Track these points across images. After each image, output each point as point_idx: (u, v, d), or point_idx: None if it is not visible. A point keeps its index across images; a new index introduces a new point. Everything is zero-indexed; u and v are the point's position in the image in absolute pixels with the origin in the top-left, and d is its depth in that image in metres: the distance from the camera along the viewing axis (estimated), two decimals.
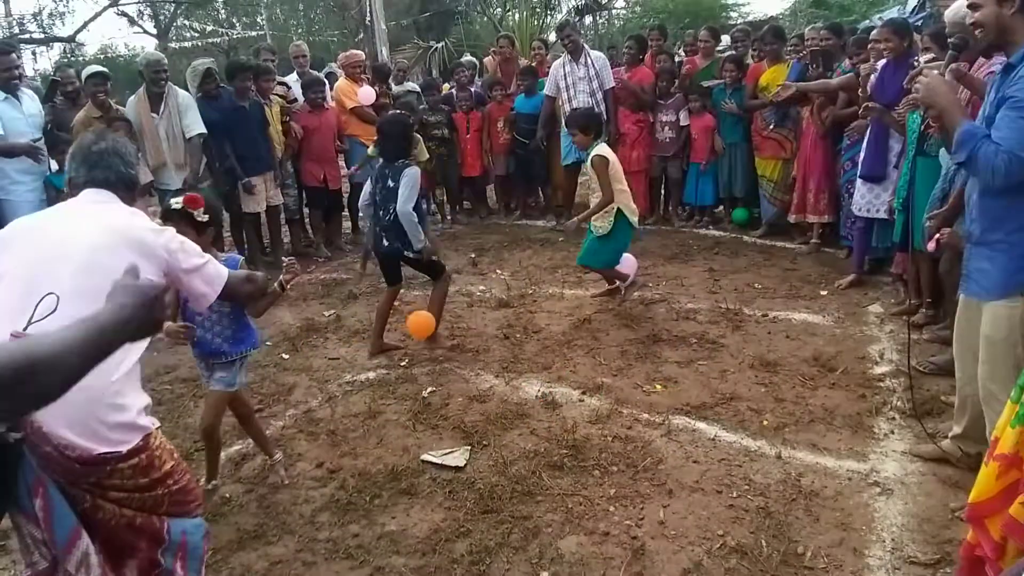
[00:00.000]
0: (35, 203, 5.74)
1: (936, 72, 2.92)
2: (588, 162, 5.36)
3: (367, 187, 5.07)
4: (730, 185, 7.48)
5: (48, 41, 26.65)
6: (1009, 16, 2.61)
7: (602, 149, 5.35)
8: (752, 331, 5.03)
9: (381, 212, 4.80)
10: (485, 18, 22.85)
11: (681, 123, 7.50)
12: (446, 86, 9.31)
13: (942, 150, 4.24)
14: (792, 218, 6.90)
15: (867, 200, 5.52)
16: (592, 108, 5.37)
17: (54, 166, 5.92)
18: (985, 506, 2.01)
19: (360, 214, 5.47)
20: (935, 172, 4.32)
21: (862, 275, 5.81)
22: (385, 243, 4.84)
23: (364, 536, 3.15)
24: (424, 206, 4.72)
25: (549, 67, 8.08)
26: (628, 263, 5.65)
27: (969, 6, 2.74)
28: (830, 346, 4.74)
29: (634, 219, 5.47)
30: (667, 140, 7.60)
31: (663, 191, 8.21)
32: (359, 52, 8.73)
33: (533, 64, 8.61)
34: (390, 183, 4.74)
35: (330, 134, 7.42)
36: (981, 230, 2.85)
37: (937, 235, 3.47)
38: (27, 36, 24.91)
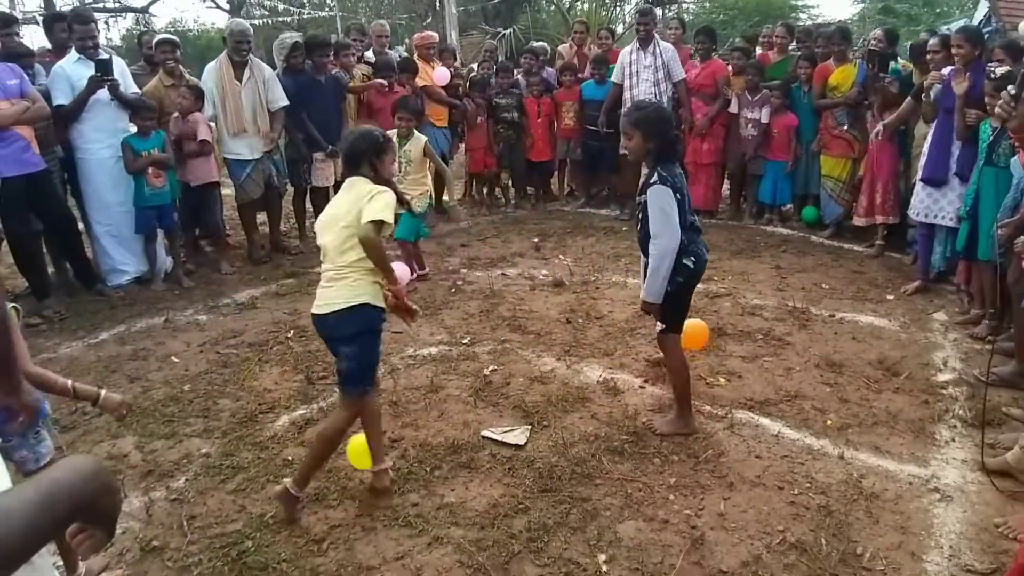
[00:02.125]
0: (111, 163, 5.92)
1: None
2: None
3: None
4: (806, 184, 7.37)
5: (121, 11, 27.18)
6: None
7: None
8: (818, 330, 4.96)
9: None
10: (552, 7, 22.76)
11: (763, 120, 7.37)
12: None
13: (1014, 159, 4.15)
14: (861, 222, 6.74)
15: (926, 205, 5.43)
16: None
17: (132, 128, 6.05)
18: None
19: None
20: (1002, 182, 4.25)
21: (927, 282, 5.71)
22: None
23: (423, 506, 3.19)
24: None
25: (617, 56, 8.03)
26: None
27: None
28: (895, 350, 4.66)
29: None
30: (750, 137, 7.48)
31: (740, 186, 8.12)
32: (433, 33, 8.81)
33: (602, 52, 8.57)
34: None
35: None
36: None
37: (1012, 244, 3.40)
38: (100, 5, 25.43)
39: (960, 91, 4.94)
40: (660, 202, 3.41)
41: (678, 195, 3.45)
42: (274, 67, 6.93)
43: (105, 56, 5.82)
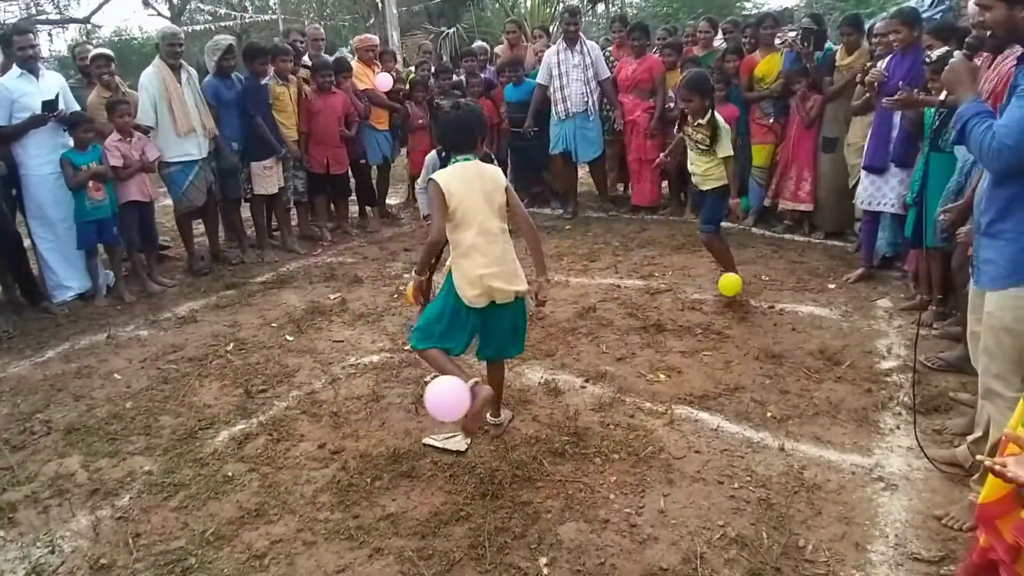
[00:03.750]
0: (52, 179, 5.82)
1: (960, 56, 2.91)
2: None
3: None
4: (742, 175, 7.44)
5: (64, 22, 26.72)
6: (1021, 17, 2.61)
7: (446, 173, 3.46)
8: (758, 323, 5.01)
9: None
10: (497, 4, 22.70)
11: None
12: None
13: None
14: (768, 202, 7.10)
15: (869, 193, 5.54)
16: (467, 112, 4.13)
17: (70, 143, 5.93)
18: (995, 507, 1.95)
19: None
20: (949, 168, 4.29)
21: (871, 269, 5.79)
22: None
23: (365, 517, 3.15)
24: None
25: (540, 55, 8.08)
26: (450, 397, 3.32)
27: (979, 5, 2.73)
28: (837, 340, 4.72)
29: (470, 296, 3.49)
30: None
31: (680, 181, 8.11)
32: (373, 36, 8.75)
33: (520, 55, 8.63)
34: None
35: (335, 118, 7.36)
36: (989, 221, 2.83)
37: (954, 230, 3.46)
38: (43, 17, 24.94)
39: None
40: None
41: None
42: (205, 70, 6.83)
43: (50, 97, 5.70)
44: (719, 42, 8.07)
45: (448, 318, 3.43)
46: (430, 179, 3.46)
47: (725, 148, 5.09)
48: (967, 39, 3.19)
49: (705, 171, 5.24)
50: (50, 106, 5.65)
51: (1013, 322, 2.77)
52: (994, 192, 2.79)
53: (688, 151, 5.33)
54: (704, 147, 5.14)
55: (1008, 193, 2.72)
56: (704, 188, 5.35)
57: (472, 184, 3.41)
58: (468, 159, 3.48)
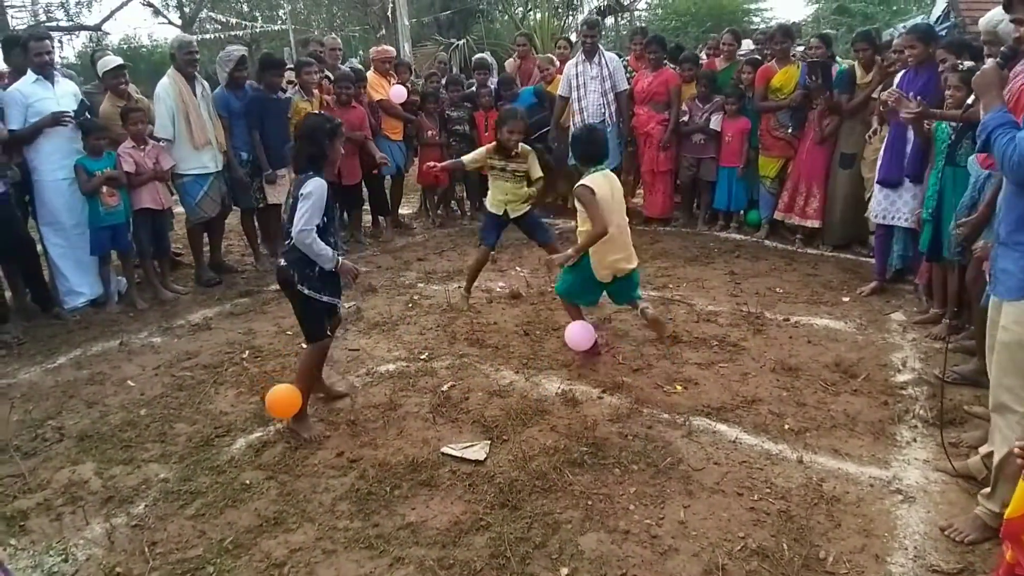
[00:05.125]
0: (65, 185, 5.82)
1: (994, 63, 2.91)
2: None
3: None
4: (756, 188, 7.49)
5: (74, 29, 26.92)
6: None
7: (592, 179, 4.40)
8: (773, 335, 5.01)
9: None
10: (506, 17, 22.82)
11: (712, 126, 7.46)
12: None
13: (971, 159, 4.22)
14: (779, 216, 7.12)
15: (883, 207, 5.55)
16: (594, 130, 4.72)
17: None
18: (1020, 523, 1.96)
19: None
20: (964, 182, 4.29)
21: (884, 282, 5.79)
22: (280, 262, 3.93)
23: (384, 526, 3.15)
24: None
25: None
26: (582, 336, 4.64)
27: (1015, 20, 2.72)
28: (852, 352, 4.72)
29: (602, 274, 4.56)
30: (700, 142, 7.58)
31: (693, 193, 8.21)
32: (390, 48, 8.78)
33: (517, 74, 8.74)
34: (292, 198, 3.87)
35: (352, 131, 7.37)
36: (1007, 231, 2.83)
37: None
38: (54, 24, 25.13)
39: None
40: None
41: None
42: (217, 81, 6.84)
43: (66, 107, 5.75)
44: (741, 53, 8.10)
45: (581, 284, 4.63)
46: (584, 184, 4.37)
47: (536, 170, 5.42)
48: (1002, 49, 3.19)
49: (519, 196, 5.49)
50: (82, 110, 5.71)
51: None
52: (1013, 202, 2.79)
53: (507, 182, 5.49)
54: (520, 175, 5.41)
55: None
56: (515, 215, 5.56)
57: (610, 188, 4.45)
58: (602, 169, 4.51)
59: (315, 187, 3.67)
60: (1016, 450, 1.84)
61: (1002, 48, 3.23)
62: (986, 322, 3.09)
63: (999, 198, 2.98)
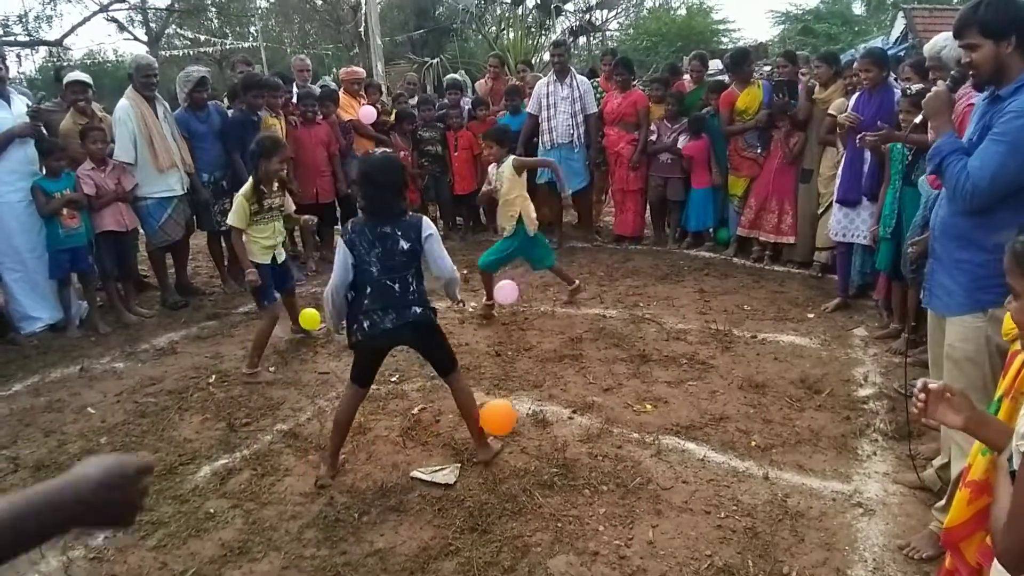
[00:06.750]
0: (20, 207, 5.71)
1: (944, 86, 2.97)
2: (501, 169, 5.77)
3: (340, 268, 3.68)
4: (725, 207, 7.56)
5: (33, 44, 26.42)
6: (1007, 54, 2.66)
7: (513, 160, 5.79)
8: (741, 352, 5.06)
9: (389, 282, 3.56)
10: (480, 36, 22.93)
11: (680, 146, 7.53)
12: None
13: (922, 179, 4.32)
14: (742, 232, 7.22)
15: (843, 225, 5.65)
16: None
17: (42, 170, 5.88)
18: (958, 531, 2.02)
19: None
20: (920, 201, 4.38)
21: (847, 299, 5.88)
22: (410, 312, 3.58)
23: (352, 553, 3.12)
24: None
25: (532, 87, 8.15)
26: (506, 292, 5.84)
27: (964, 46, 2.77)
28: (816, 368, 4.77)
29: (532, 228, 5.84)
30: (668, 161, 7.65)
31: (662, 212, 8.24)
32: (360, 69, 8.81)
33: (518, 84, 8.68)
34: (402, 244, 3.55)
35: (320, 148, 7.40)
36: (943, 249, 2.89)
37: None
38: (11, 39, 24.64)
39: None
40: None
41: None
42: (176, 102, 6.80)
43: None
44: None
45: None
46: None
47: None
48: (952, 73, 3.26)
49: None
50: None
51: (975, 353, 2.81)
52: (954, 220, 2.85)
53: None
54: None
55: (969, 224, 2.78)
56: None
57: None
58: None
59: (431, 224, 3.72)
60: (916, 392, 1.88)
61: (951, 72, 3.30)
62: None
63: (932, 216, 3.05)
